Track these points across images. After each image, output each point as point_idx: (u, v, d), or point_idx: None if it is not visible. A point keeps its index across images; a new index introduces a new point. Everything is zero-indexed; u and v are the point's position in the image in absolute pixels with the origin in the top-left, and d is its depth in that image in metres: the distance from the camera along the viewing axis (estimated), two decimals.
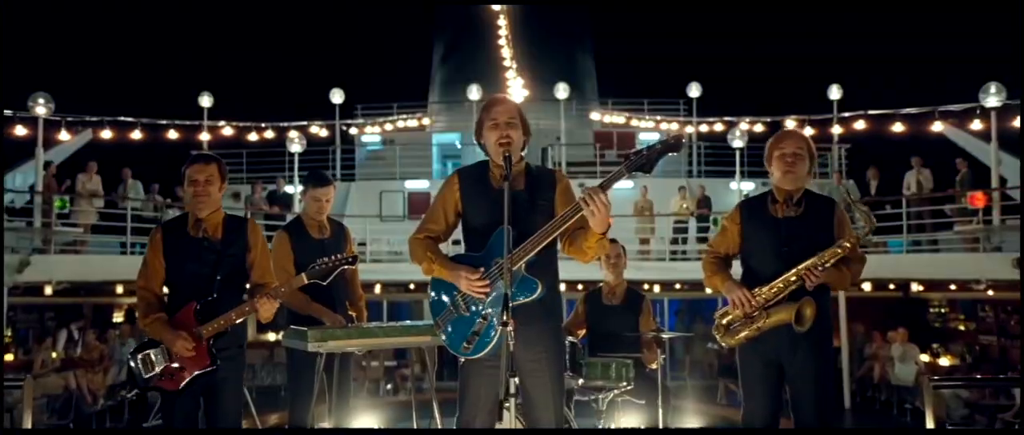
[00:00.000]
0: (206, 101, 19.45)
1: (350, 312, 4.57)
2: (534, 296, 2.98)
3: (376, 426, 5.70)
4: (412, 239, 3.24)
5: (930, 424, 3.70)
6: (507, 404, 2.68)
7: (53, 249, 12.91)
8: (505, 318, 2.73)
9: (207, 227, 3.69)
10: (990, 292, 13.30)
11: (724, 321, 3.74)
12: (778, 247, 3.61)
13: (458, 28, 25.11)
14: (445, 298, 3.15)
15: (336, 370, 4.36)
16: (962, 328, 16.76)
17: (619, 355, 4.57)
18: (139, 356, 3.56)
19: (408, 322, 4.51)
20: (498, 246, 2.98)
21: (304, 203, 4.71)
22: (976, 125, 14.73)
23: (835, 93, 19.17)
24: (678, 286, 14.95)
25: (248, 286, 3.76)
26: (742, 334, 3.65)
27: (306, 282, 3.71)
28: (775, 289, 3.56)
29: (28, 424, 3.99)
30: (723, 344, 3.76)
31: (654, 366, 4.72)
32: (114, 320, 17.30)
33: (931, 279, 13.92)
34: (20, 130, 14.68)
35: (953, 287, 14.17)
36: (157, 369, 3.53)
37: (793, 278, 3.53)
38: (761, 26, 33.79)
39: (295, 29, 32.97)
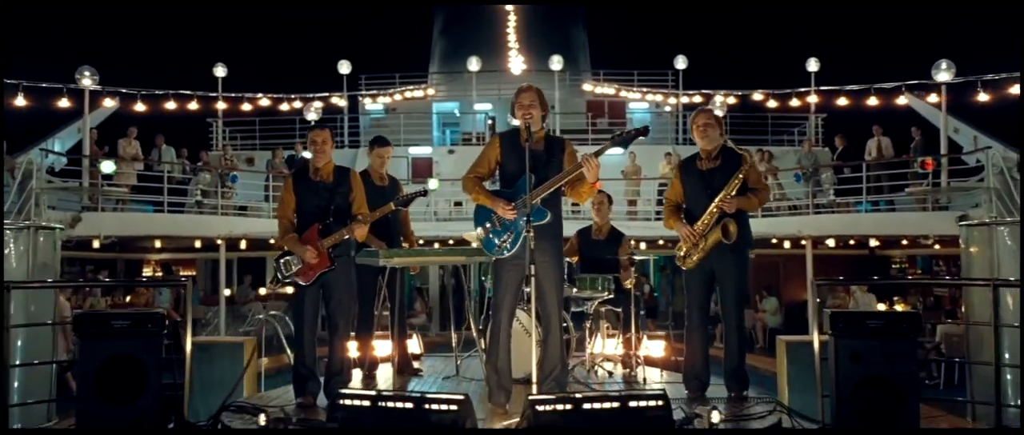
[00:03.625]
0: (220, 71, 20.77)
1: (404, 244, 6.13)
2: (545, 220, 4.53)
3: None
4: (466, 178, 4.77)
5: (814, 329, 5.12)
6: (530, 277, 4.25)
7: (100, 207, 14.36)
8: (528, 229, 4.29)
9: (323, 174, 5.20)
10: (937, 246, 14.92)
11: (681, 252, 5.33)
12: (704, 190, 5.15)
13: (458, 2, 26.29)
14: (484, 220, 4.70)
15: (397, 285, 5.92)
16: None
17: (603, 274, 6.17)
18: (281, 261, 5.12)
19: (450, 246, 6.05)
20: (523, 186, 4.52)
21: (370, 159, 6.20)
22: (933, 97, 16.35)
23: (813, 66, 20.70)
24: (661, 242, 16.49)
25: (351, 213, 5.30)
26: (694, 258, 5.23)
27: (394, 209, 5.34)
28: (705, 220, 5.11)
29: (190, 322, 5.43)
30: (684, 268, 5.33)
31: (629, 283, 6.29)
32: (144, 273, 18.84)
33: (886, 235, 15.52)
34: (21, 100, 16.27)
35: (905, 242, 15.79)
36: (294, 269, 5.07)
37: (714, 209, 5.08)
38: (746, 4, 35.18)
39: (302, 3, 34.36)
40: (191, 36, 32.67)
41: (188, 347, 5.34)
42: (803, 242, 15.33)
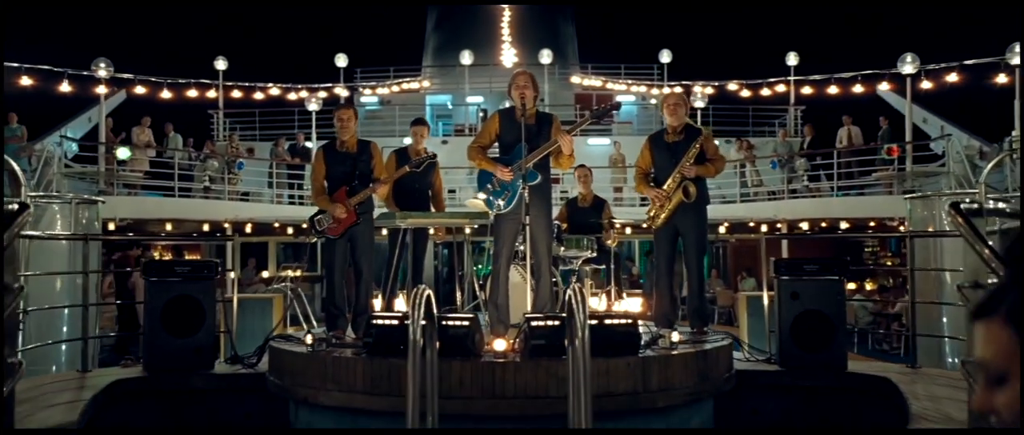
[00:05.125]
0: (221, 64, 21.61)
1: (432, 208, 7.05)
2: (537, 181, 5.47)
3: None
4: (470, 147, 5.69)
5: (764, 280, 6.09)
6: (526, 224, 5.19)
7: (115, 192, 15.21)
8: (523, 187, 5.23)
9: (348, 146, 6.12)
10: (901, 227, 15.95)
11: (651, 214, 6.28)
12: (670, 159, 6.11)
13: (452, 1, 27.17)
14: (485, 182, 5.63)
15: (413, 244, 6.84)
16: (889, 263, 19.56)
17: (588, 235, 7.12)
18: (316, 218, 6.04)
19: (456, 210, 6.98)
20: (518, 153, 5.45)
21: (411, 136, 7.09)
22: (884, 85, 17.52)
23: (792, 59, 21.73)
24: (646, 225, 17.43)
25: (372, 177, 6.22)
26: (662, 217, 6.19)
27: (408, 171, 6.27)
28: (670, 184, 6.07)
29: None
30: (653, 227, 6.29)
31: (610, 243, 7.25)
32: (152, 256, 19.69)
33: (855, 217, 16.55)
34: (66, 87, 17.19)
35: (872, 224, 16.80)
36: (326, 225, 5.99)
37: (677, 175, 6.02)
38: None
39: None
40: (190, 31, 33.52)
41: (235, 296, 6.28)
42: (779, 225, 16.32)
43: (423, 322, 3.75)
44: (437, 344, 4.03)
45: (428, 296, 3.74)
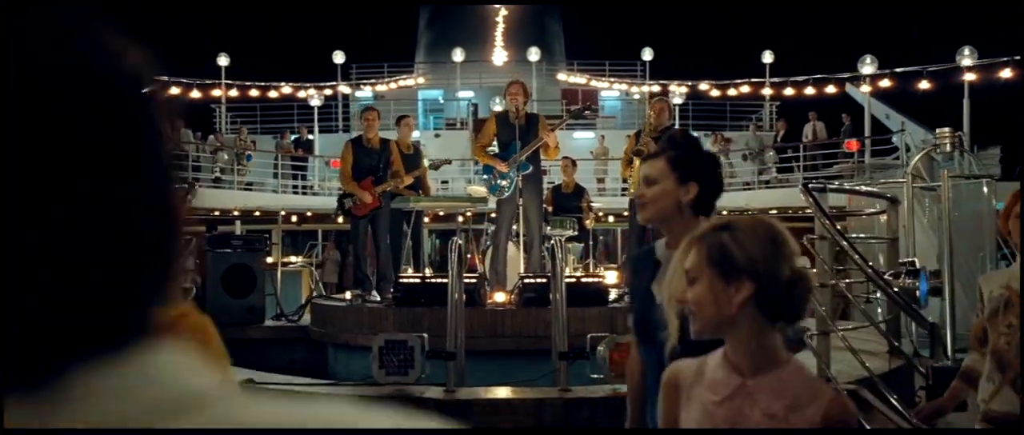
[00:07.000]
0: (223, 61, 22.70)
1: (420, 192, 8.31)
2: (528, 171, 6.76)
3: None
4: (474, 147, 6.98)
5: None
6: (520, 205, 6.49)
7: None
8: (518, 177, 6.53)
9: (373, 142, 7.37)
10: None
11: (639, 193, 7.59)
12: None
13: (446, 1, 28.33)
14: (487, 173, 6.92)
15: (413, 225, 8.11)
16: None
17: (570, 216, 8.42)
18: (344, 200, 7.29)
19: (455, 193, 8.28)
20: (513, 149, 6.74)
21: (399, 131, 8.33)
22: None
23: (768, 57, 23.05)
24: (626, 213, 18.70)
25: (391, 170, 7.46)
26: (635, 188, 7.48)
27: (428, 168, 7.52)
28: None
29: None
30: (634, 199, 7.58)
31: (589, 223, 8.56)
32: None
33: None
34: None
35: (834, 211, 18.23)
36: (352, 205, 7.24)
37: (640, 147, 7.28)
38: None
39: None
40: (189, 28, 34.66)
41: (279, 269, 7.55)
42: (750, 213, 17.65)
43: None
44: (465, 297, 5.32)
45: (460, 246, 5.03)
